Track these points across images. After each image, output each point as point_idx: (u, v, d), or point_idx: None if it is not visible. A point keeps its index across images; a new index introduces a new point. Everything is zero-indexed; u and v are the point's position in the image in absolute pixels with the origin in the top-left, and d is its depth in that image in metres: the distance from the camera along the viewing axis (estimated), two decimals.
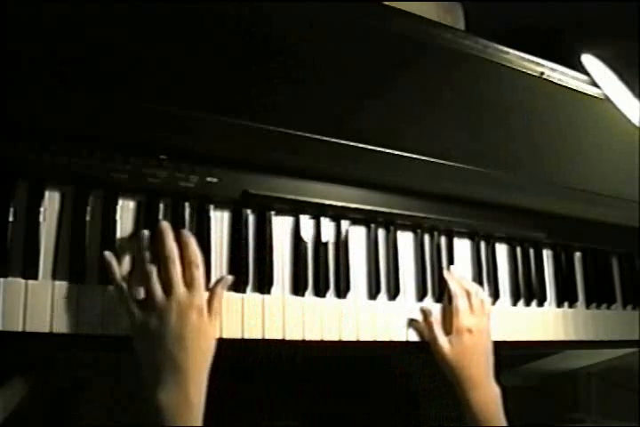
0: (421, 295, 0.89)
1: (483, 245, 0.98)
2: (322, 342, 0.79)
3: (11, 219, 0.64)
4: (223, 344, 0.68)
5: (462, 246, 0.96)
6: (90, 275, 0.67)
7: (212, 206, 0.76)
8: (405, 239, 0.91)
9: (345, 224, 0.85)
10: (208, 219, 0.76)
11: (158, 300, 0.65)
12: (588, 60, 0.95)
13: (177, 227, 0.71)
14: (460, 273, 0.92)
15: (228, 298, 0.73)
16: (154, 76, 0.71)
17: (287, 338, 0.76)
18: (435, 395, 1.13)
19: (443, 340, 0.84)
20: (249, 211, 0.79)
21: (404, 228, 0.91)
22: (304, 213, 0.83)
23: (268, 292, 0.77)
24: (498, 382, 0.85)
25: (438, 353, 0.84)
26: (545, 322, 1.01)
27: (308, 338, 0.78)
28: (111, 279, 0.67)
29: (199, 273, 0.68)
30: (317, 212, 0.83)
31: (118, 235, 0.70)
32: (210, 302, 0.70)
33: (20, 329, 0.62)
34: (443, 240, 0.94)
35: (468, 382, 0.82)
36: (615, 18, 0.91)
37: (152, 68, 0.71)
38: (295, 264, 0.80)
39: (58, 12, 0.66)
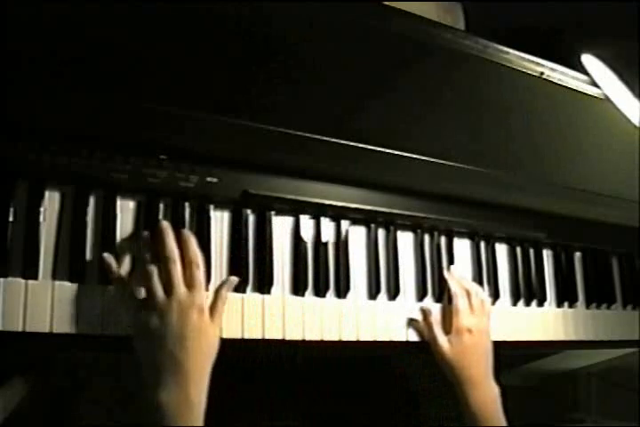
0: (421, 295, 0.89)
1: (483, 245, 0.98)
2: (322, 342, 0.79)
3: (11, 219, 0.64)
4: (223, 344, 0.68)
5: (462, 246, 0.96)
6: (90, 275, 0.67)
7: (212, 206, 0.76)
8: (405, 239, 0.91)
9: (345, 224, 0.85)
10: (208, 219, 0.76)
11: (159, 300, 0.65)
12: (587, 60, 0.95)
13: (177, 227, 0.71)
14: (460, 273, 0.92)
15: (228, 298, 0.72)
16: (154, 76, 0.71)
17: (287, 338, 0.76)
18: (435, 395, 1.13)
19: (442, 339, 0.84)
20: (249, 211, 0.79)
21: (404, 228, 0.91)
22: (304, 213, 0.83)
23: (268, 292, 0.77)
24: (498, 382, 0.85)
25: (438, 353, 0.84)
26: (545, 322, 1.01)
27: (308, 338, 0.78)
28: (111, 280, 0.67)
29: (199, 273, 0.68)
30: (317, 212, 0.83)
31: (118, 235, 0.70)
32: (214, 303, 0.70)
33: (19, 329, 0.62)
34: (443, 240, 0.94)
35: (468, 382, 0.82)
36: (615, 18, 0.91)
37: (152, 68, 0.71)
38: (295, 264, 0.80)
39: (58, 12, 0.66)
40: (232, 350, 0.69)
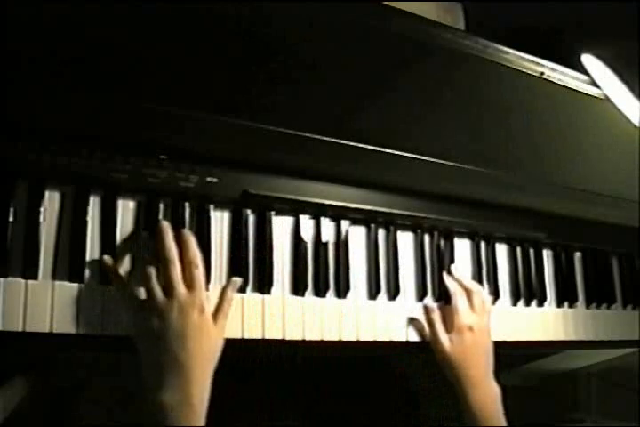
0: (421, 295, 0.89)
1: (483, 245, 0.98)
2: (322, 342, 0.79)
3: (11, 219, 0.64)
4: (223, 344, 0.68)
5: (462, 246, 0.96)
6: (90, 275, 0.67)
7: (212, 206, 0.76)
8: (405, 239, 0.91)
9: (345, 224, 0.85)
10: (208, 219, 0.76)
11: (159, 300, 0.65)
12: (587, 60, 0.95)
13: (177, 227, 0.71)
14: (461, 272, 0.92)
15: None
16: (154, 76, 0.71)
17: (287, 338, 0.76)
18: (435, 395, 1.13)
19: (444, 337, 0.84)
20: (249, 211, 0.79)
21: (404, 228, 0.91)
22: (304, 213, 0.83)
23: (268, 292, 0.77)
24: (498, 382, 0.85)
25: (439, 351, 0.84)
26: (545, 322, 1.01)
27: (308, 338, 0.78)
28: (112, 280, 0.67)
29: (199, 273, 0.68)
30: (317, 212, 0.83)
31: (118, 235, 0.70)
32: (219, 304, 0.70)
33: (19, 329, 0.62)
34: (443, 240, 0.94)
35: (468, 381, 0.82)
36: (615, 18, 0.91)
37: (152, 68, 0.71)
38: (295, 264, 0.80)
39: (58, 12, 0.66)
40: (232, 350, 0.69)
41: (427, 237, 0.93)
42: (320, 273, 0.81)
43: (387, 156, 0.84)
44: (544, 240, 1.04)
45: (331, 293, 0.81)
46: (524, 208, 0.99)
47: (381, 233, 0.89)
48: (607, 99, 1.01)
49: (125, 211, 0.71)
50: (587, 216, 1.06)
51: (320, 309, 0.80)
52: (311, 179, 0.81)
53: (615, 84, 0.91)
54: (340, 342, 0.80)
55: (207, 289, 0.71)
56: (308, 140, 0.79)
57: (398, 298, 0.87)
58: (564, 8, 1.08)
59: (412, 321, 0.87)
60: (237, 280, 0.74)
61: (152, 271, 0.67)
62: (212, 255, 0.74)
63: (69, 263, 0.66)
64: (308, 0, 0.82)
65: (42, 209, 0.66)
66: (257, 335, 0.74)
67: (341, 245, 0.84)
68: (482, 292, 0.90)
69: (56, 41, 0.66)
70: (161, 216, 0.73)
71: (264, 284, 0.77)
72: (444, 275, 0.90)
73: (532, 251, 1.04)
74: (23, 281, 0.64)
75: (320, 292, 0.80)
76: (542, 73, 1.02)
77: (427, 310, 0.87)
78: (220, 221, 0.77)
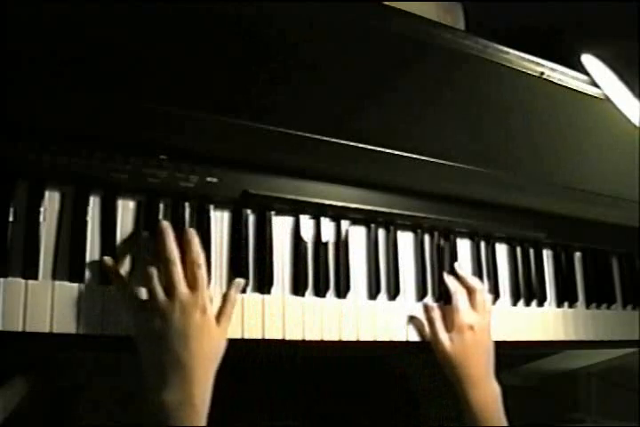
0: (421, 295, 0.89)
1: (483, 245, 0.98)
2: (322, 342, 0.79)
3: (11, 219, 0.64)
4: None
5: (462, 246, 0.96)
6: (90, 275, 0.67)
7: (212, 206, 0.76)
8: (405, 239, 0.91)
9: (345, 224, 0.85)
10: (208, 219, 0.76)
11: (160, 301, 0.65)
12: (587, 60, 0.95)
13: (177, 227, 0.71)
14: (464, 270, 0.92)
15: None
16: (154, 76, 0.71)
17: (287, 338, 0.76)
18: (435, 395, 1.13)
19: (444, 336, 0.84)
20: (249, 211, 0.79)
21: (404, 228, 0.91)
22: (304, 213, 0.83)
23: (268, 292, 0.77)
24: (498, 382, 0.84)
25: (439, 350, 0.84)
26: (545, 322, 1.01)
27: (308, 338, 0.78)
28: (112, 281, 0.67)
29: (201, 273, 0.68)
30: (317, 212, 0.83)
31: (118, 235, 0.70)
32: (223, 306, 0.70)
33: (19, 329, 0.62)
34: (443, 240, 0.94)
35: (469, 381, 0.82)
36: (615, 18, 0.91)
37: (152, 68, 0.71)
38: (295, 264, 0.80)
39: (58, 12, 0.66)
40: (232, 350, 0.69)
41: (427, 237, 0.93)
42: (320, 273, 0.81)
43: (387, 156, 0.84)
44: (544, 240, 1.04)
45: (331, 293, 0.81)
46: (524, 208, 0.99)
47: (381, 233, 0.89)
48: (607, 99, 1.01)
49: (125, 211, 0.71)
50: (587, 216, 1.06)
51: (320, 309, 0.80)
52: (311, 179, 0.81)
53: (615, 84, 0.91)
54: (340, 342, 0.80)
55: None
56: (307, 140, 0.79)
57: (398, 298, 0.87)
58: (564, 8, 1.08)
59: (412, 321, 0.86)
60: (241, 282, 0.74)
61: (153, 271, 0.67)
62: (212, 255, 0.74)
63: (69, 263, 0.66)
64: (308, 0, 0.82)
65: (42, 209, 0.66)
66: (257, 335, 0.74)
67: (341, 245, 0.84)
68: (483, 291, 0.90)
69: (56, 41, 0.66)
70: (161, 216, 0.73)
71: (264, 284, 0.77)
72: (445, 274, 0.90)
73: (532, 251, 1.04)
74: (23, 281, 0.64)
75: (320, 292, 0.80)
76: (542, 73, 1.02)
77: (426, 308, 0.87)
78: (219, 221, 0.77)
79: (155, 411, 0.61)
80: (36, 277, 0.64)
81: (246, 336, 0.74)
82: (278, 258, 0.79)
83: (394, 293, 0.86)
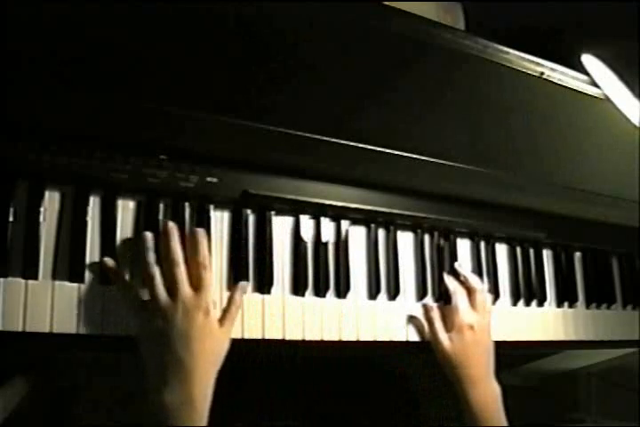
0: (421, 295, 0.89)
1: (483, 245, 0.98)
2: (322, 342, 0.79)
3: (11, 219, 0.64)
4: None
5: (462, 246, 0.96)
6: (90, 275, 0.67)
7: (212, 206, 0.76)
8: (405, 239, 0.91)
9: (345, 224, 0.85)
10: (208, 219, 0.76)
11: (162, 302, 0.65)
12: (587, 60, 0.95)
13: (177, 227, 0.71)
14: (466, 270, 0.92)
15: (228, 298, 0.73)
16: (154, 76, 0.71)
17: (287, 338, 0.76)
18: (435, 395, 1.13)
19: (444, 336, 0.84)
20: (249, 211, 0.79)
21: (404, 228, 0.91)
22: (304, 213, 0.83)
23: (268, 292, 0.77)
24: (498, 382, 0.84)
25: (439, 350, 0.84)
26: (545, 322, 1.01)
27: (308, 338, 0.78)
28: (113, 281, 0.67)
29: (207, 274, 0.68)
30: (317, 212, 0.83)
31: (118, 235, 0.70)
32: (227, 308, 0.70)
33: (19, 329, 0.62)
34: (442, 240, 0.94)
35: (469, 381, 0.82)
36: (615, 18, 0.91)
37: (152, 68, 0.71)
38: (295, 264, 0.80)
39: (58, 12, 0.66)
40: (232, 350, 0.69)
41: (427, 237, 0.93)
42: (320, 273, 0.81)
43: (387, 156, 0.84)
44: (544, 240, 1.04)
45: (331, 293, 0.81)
46: (524, 208, 0.99)
47: (381, 233, 0.89)
48: (607, 99, 1.01)
49: (125, 211, 0.71)
50: (587, 216, 1.06)
51: (320, 309, 0.80)
52: (311, 179, 0.81)
53: (615, 84, 0.91)
54: (340, 342, 0.80)
55: None
56: (308, 140, 0.79)
57: (398, 298, 0.87)
58: (564, 8, 1.08)
59: (412, 321, 0.86)
60: (245, 284, 0.74)
61: (156, 272, 0.67)
62: (212, 255, 0.74)
63: (69, 263, 0.66)
64: (308, 0, 0.82)
65: (42, 209, 0.66)
66: (257, 335, 0.74)
67: (341, 245, 0.84)
68: (483, 290, 0.90)
69: (56, 41, 0.66)
70: (161, 216, 0.73)
71: (264, 284, 0.77)
72: (445, 274, 0.90)
73: (532, 251, 1.04)
74: (23, 281, 0.64)
75: (320, 292, 0.80)
76: (542, 73, 1.02)
77: (426, 308, 0.87)
78: (219, 221, 0.77)
79: (155, 411, 0.61)
80: (36, 278, 0.64)
81: (246, 336, 0.74)
82: (278, 258, 0.79)
83: (394, 293, 0.86)
